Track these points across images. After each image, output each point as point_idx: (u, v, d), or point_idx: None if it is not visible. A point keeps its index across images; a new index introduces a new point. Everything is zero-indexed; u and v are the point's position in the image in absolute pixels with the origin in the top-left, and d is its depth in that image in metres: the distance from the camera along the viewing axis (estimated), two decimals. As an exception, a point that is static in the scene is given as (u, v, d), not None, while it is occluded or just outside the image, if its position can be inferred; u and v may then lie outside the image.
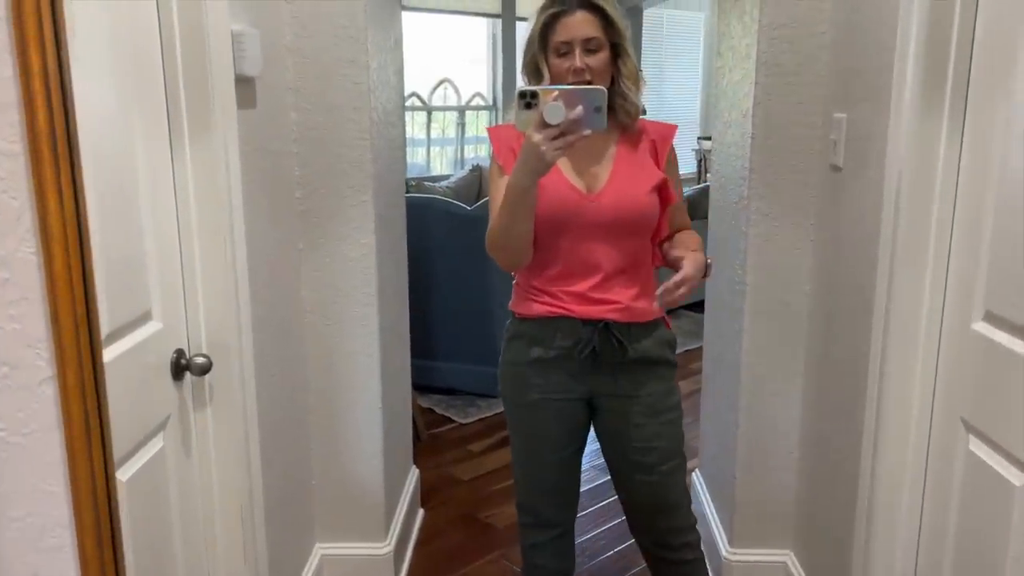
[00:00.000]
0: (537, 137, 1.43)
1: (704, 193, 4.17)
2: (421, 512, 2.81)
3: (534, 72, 1.66)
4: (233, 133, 1.59)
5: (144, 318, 1.40)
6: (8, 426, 0.83)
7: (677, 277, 1.53)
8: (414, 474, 2.77)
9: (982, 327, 1.44)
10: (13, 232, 0.78)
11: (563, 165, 1.64)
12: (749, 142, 2.05)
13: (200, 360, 1.51)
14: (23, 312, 0.80)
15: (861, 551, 1.73)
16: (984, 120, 1.44)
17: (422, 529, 2.74)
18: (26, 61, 0.69)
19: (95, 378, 0.78)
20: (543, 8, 1.64)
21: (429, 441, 3.44)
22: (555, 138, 1.43)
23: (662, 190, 1.69)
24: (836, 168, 1.91)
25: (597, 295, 1.65)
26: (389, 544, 2.33)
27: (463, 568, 2.52)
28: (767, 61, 1.99)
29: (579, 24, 1.59)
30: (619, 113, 1.65)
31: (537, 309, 1.68)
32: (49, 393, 0.80)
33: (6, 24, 0.71)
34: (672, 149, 1.74)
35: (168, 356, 1.48)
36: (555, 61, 1.62)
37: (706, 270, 1.62)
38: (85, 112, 1.16)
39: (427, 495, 2.91)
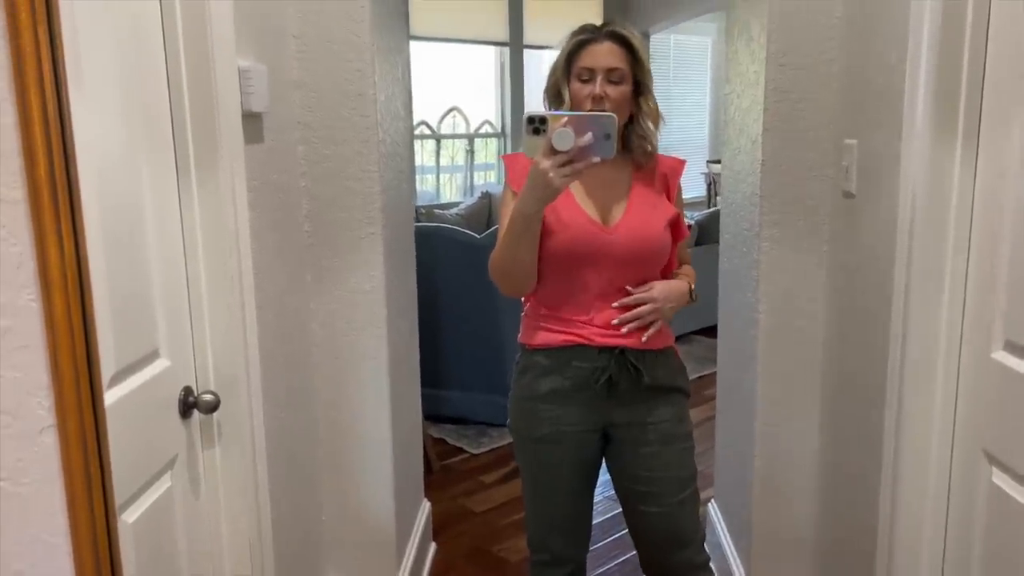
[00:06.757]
0: (545, 163, 1.41)
1: (714, 217, 4.16)
2: (433, 546, 2.78)
3: (555, 97, 1.65)
4: (240, 169, 1.59)
5: (152, 356, 1.39)
6: (9, 476, 0.81)
7: (642, 294, 1.62)
8: (425, 507, 2.73)
9: (1002, 356, 1.41)
10: (14, 280, 0.77)
11: (581, 198, 1.64)
12: (759, 169, 2.04)
13: (208, 398, 1.50)
14: (24, 360, 0.79)
15: (883, 586, 1.69)
16: (998, 143, 1.42)
17: (434, 563, 2.70)
18: (26, 109, 0.68)
19: (96, 426, 0.76)
20: (571, 35, 1.64)
21: (441, 472, 3.41)
22: (563, 164, 1.41)
23: (674, 225, 1.68)
24: (849, 195, 1.89)
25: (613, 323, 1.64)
26: (401, 580, 2.30)
27: (476, 603, 2.48)
28: (776, 88, 1.98)
29: (605, 53, 1.59)
30: (636, 151, 1.65)
31: (554, 339, 1.67)
32: (50, 442, 0.79)
33: (7, 72, 0.70)
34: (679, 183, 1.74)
35: (176, 394, 1.47)
36: (576, 86, 1.61)
37: (691, 295, 1.71)
38: (92, 150, 1.17)
39: (439, 528, 2.88)
